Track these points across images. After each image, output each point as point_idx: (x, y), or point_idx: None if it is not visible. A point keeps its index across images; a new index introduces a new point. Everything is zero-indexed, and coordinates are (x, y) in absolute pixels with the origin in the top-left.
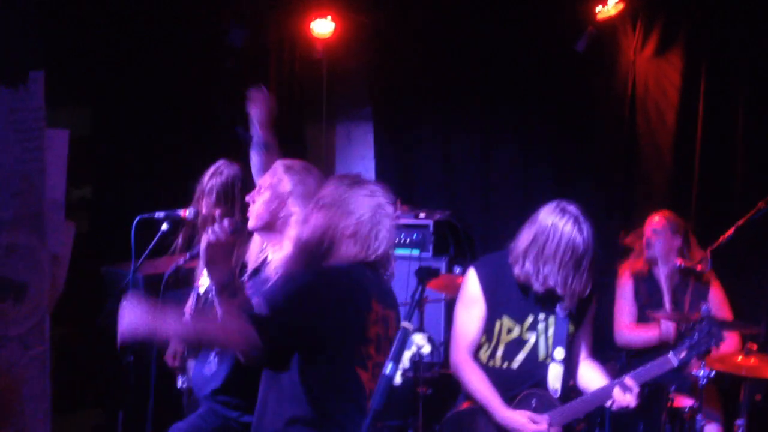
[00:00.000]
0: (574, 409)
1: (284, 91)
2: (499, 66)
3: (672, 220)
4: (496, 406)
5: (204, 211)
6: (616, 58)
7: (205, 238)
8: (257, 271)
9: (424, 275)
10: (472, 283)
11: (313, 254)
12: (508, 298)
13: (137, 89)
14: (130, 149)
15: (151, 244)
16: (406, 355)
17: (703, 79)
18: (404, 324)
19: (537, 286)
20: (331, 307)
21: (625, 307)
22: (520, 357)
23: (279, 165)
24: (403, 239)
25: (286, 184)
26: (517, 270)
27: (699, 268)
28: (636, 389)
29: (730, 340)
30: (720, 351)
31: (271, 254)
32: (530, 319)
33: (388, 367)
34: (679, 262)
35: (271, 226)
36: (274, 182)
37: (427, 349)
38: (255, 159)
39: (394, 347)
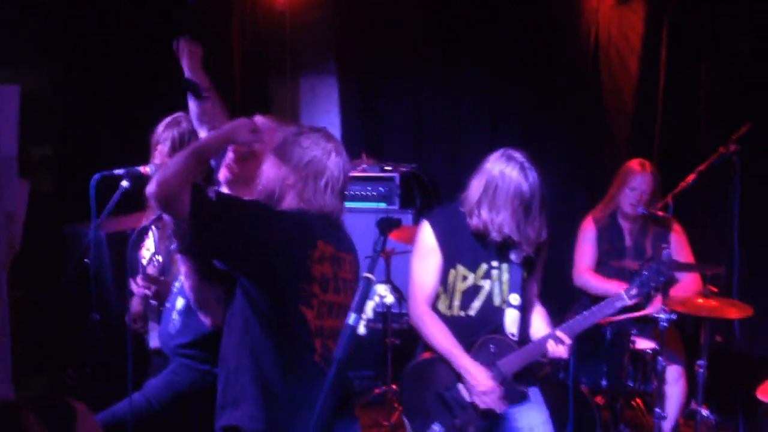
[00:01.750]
0: (524, 356)
1: (247, 45)
2: (464, 18)
3: (655, 175)
4: (456, 354)
5: (157, 161)
6: (579, 7)
7: None
8: None
9: (386, 226)
10: (426, 235)
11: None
12: (462, 248)
13: (96, 45)
14: (90, 106)
15: (112, 202)
16: (369, 306)
17: (665, 25)
18: (366, 275)
19: (494, 235)
20: (267, 230)
21: (587, 250)
22: (477, 304)
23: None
24: (369, 192)
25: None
26: (475, 221)
27: (660, 213)
28: (568, 341)
29: (692, 283)
30: (683, 294)
31: None
32: (484, 266)
33: (351, 317)
34: (641, 208)
35: (240, 180)
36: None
37: (390, 299)
38: (193, 107)
39: (357, 297)
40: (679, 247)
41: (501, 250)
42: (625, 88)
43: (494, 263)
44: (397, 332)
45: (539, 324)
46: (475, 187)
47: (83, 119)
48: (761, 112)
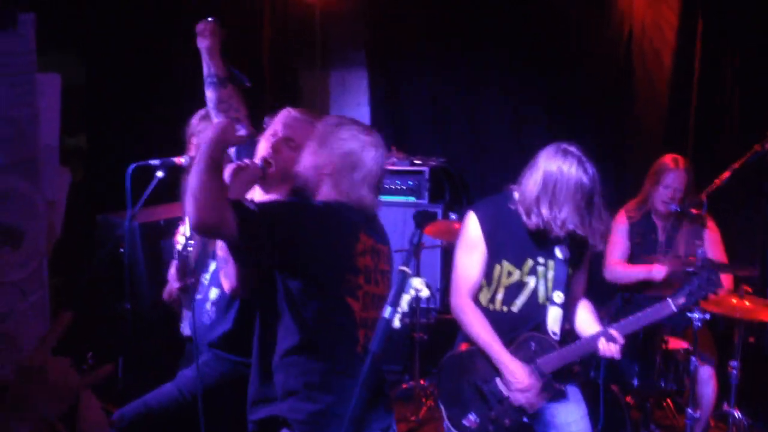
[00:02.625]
0: (565, 355)
1: (278, 36)
2: (493, 9)
3: (690, 172)
4: (497, 349)
5: (192, 153)
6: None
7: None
8: None
9: (422, 219)
10: (472, 227)
11: (299, 194)
12: (508, 242)
13: (131, 35)
14: (124, 96)
15: (147, 192)
16: (405, 299)
17: (700, 18)
18: (402, 268)
19: (557, 231)
20: (314, 227)
21: (618, 244)
22: (520, 300)
23: (305, 116)
24: (398, 186)
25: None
26: (534, 219)
27: (694, 211)
28: (620, 340)
29: (724, 282)
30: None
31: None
32: (530, 262)
33: (387, 311)
34: (675, 205)
35: (289, 176)
36: (296, 133)
37: (425, 293)
38: (210, 95)
39: (393, 291)
40: (712, 245)
41: (548, 246)
42: (658, 81)
43: (540, 260)
44: (424, 327)
45: (587, 320)
46: (532, 184)
47: (116, 110)
48: None
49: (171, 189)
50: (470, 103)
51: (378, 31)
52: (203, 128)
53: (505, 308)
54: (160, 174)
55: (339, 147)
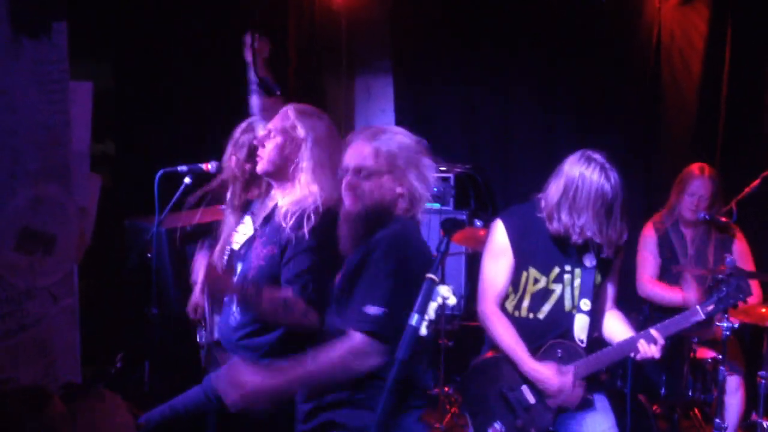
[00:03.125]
0: (599, 360)
1: (303, 43)
2: (520, 16)
3: (715, 181)
4: (522, 356)
5: (234, 165)
6: (641, 6)
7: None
8: (268, 218)
9: (451, 227)
10: (499, 234)
11: (372, 223)
12: (535, 249)
13: (159, 42)
14: (152, 103)
15: (174, 198)
16: (432, 307)
17: (729, 26)
18: (430, 276)
19: (575, 238)
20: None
21: (649, 259)
22: (546, 308)
23: (291, 109)
24: None
25: (300, 130)
26: (555, 225)
27: (723, 219)
28: (661, 341)
29: (754, 292)
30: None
31: (281, 200)
32: (556, 270)
33: (414, 318)
34: (703, 213)
35: (283, 171)
36: (287, 126)
37: (452, 300)
38: (255, 102)
39: (420, 298)
40: (742, 256)
41: (574, 254)
42: (687, 89)
43: (567, 267)
44: (449, 334)
45: (619, 327)
46: (554, 189)
47: (144, 116)
48: None
49: (198, 195)
50: (498, 110)
51: (404, 38)
52: (245, 141)
53: (531, 315)
54: (187, 180)
55: (409, 163)
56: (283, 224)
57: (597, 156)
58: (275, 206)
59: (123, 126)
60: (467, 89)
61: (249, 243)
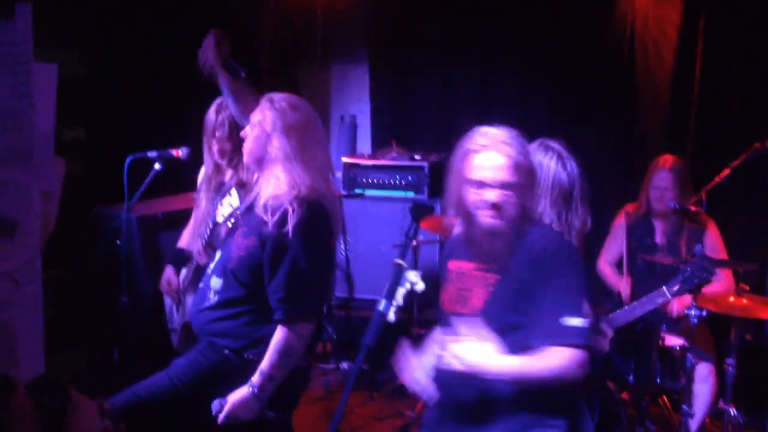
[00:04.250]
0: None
1: (279, 32)
2: (497, 6)
3: (678, 173)
4: None
5: (216, 146)
6: None
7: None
8: (251, 208)
9: (419, 212)
10: None
11: (515, 234)
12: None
13: (128, 29)
14: (122, 89)
15: (144, 184)
16: (400, 292)
17: (702, 18)
18: (398, 261)
19: None
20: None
21: (610, 244)
22: None
23: (265, 99)
24: (398, 181)
25: (268, 121)
26: None
27: (693, 209)
28: (610, 333)
29: (725, 281)
30: (714, 291)
31: (263, 191)
32: None
33: (382, 304)
34: (674, 203)
35: (261, 161)
36: (260, 118)
37: (420, 286)
38: (224, 82)
39: (388, 284)
40: (713, 246)
41: None
42: (660, 80)
43: None
44: (422, 322)
45: None
46: None
47: (114, 102)
48: None
49: (170, 181)
50: (474, 99)
51: (380, 26)
52: (223, 119)
53: None
54: (157, 166)
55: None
56: (265, 218)
57: (554, 144)
58: (257, 196)
59: (93, 112)
60: (443, 78)
61: (231, 231)
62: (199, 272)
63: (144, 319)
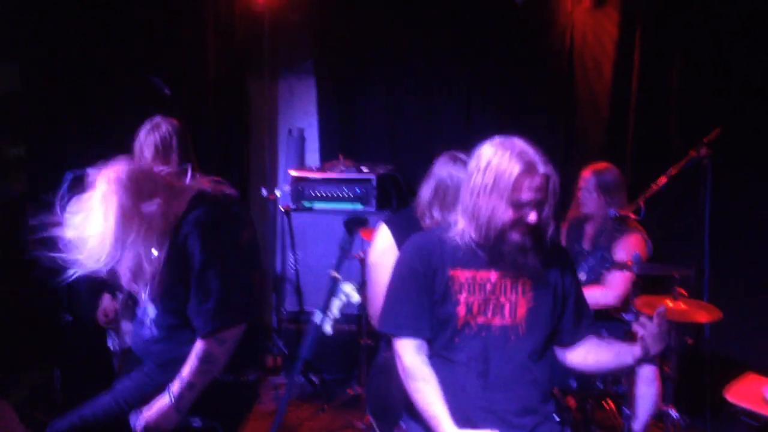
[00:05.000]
0: None
1: (225, 45)
2: (440, 18)
3: (599, 175)
4: None
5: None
6: (555, 9)
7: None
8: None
9: (353, 225)
10: (383, 235)
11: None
12: None
13: (68, 43)
14: (63, 106)
15: None
16: (336, 304)
17: (638, 30)
18: (333, 273)
19: None
20: None
21: None
22: None
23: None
24: (345, 193)
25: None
26: (427, 221)
27: (632, 216)
28: None
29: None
30: (592, 293)
31: None
32: None
33: (318, 316)
34: (612, 211)
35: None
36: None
37: (355, 298)
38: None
39: (324, 297)
40: (628, 245)
41: None
42: (599, 91)
43: None
44: (371, 334)
45: None
46: (425, 191)
47: (56, 119)
48: (731, 117)
49: None
50: (420, 111)
51: (325, 40)
52: (151, 141)
53: None
54: None
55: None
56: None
57: (462, 156)
58: None
59: (34, 129)
60: (389, 90)
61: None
62: (133, 297)
63: (87, 339)
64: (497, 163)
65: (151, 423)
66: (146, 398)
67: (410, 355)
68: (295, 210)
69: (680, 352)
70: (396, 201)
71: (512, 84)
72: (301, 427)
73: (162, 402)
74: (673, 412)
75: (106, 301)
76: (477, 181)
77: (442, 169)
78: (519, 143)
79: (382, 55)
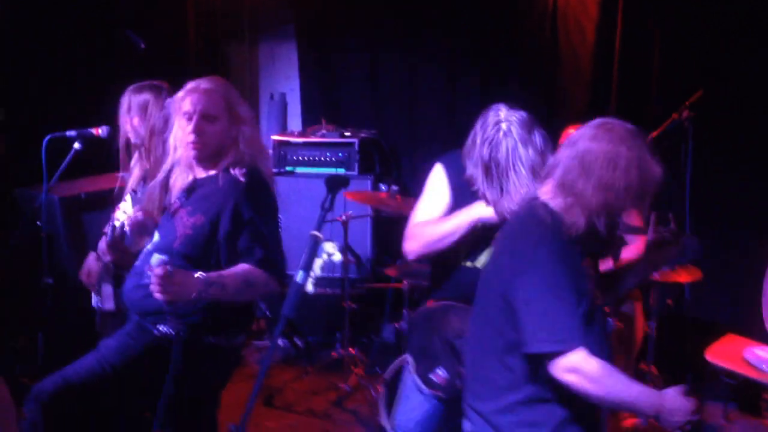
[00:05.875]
0: None
1: (205, 10)
2: None
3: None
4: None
5: (128, 127)
6: None
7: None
8: (190, 190)
9: (333, 184)
10: (436, 175)
11: None
12: (471, 196)
13: (45, 7)
14: (42, 68)
15: (64, 164)
16: (317, 263)
17: None
18: (314, 233)
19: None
20: None
21: None
22: (484, 257)
23: (192, 91)
24: (328, 158)
25: (219, 107)
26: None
27: None
28: None
29: (639, 248)
30: (628, 257)
31: (203, 173)
32: None
33: (299, 275)
34: None
35: (216, 155)
36: (206, 108)
37: (337, 257)
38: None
39: (305, 256)
40: (628, 213)
41: None
42: (582, 55)
43: None
44: (354, 297)
45: None
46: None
47: (36, 82)
48: (712, 79)
49: (91, 161)
50: (402, 75)
51: (307, 2)
52: (137, 101)
53: (468, 263)
54: (77, 145)
55: None
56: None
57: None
58: (195, 179)
59: (12, 92)
60: (371, 54)
61: (170, 214)
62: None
63: (69, 300)
64: (639, 164)
65: (173, 278)
66: (129, 358)
67: (590, 361)
68: (277, 174)
69: (661, 314)
70: (379, 165)
71: (497, 48)
72: (285, 389)
73: (193, 274)
74: (653, 371)
75: (91, 260)
76: (617, 178)
77: (502, 145)
78: (635, 130)
79: (364, 18)
